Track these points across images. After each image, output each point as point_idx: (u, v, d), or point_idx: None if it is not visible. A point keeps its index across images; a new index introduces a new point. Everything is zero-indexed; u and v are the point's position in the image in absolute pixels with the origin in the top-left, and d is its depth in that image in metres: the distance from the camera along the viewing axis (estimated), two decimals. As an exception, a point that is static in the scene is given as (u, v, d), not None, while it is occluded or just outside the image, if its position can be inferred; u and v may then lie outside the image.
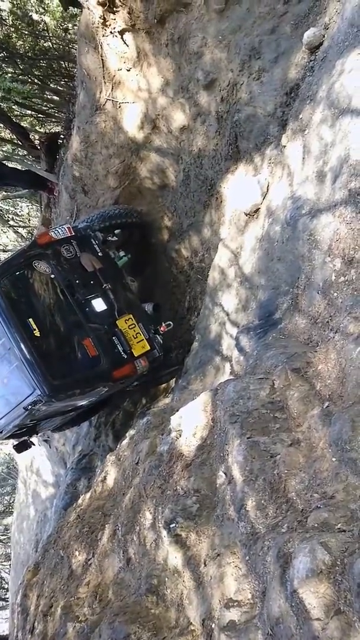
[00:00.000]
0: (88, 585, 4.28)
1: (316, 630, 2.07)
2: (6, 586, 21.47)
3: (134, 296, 6.65)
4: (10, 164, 11.06)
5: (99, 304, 6.09)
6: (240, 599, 2.73)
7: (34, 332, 5.68)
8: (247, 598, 2.70)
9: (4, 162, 10.89)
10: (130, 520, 4.06)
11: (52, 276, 6.01)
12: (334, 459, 2.70)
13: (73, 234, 6.31)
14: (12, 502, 20.23)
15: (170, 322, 6.52)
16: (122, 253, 6.75)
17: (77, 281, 6.05)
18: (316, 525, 2.41)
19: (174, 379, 6.96)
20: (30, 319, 5.71)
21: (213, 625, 2.82)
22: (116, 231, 6.76)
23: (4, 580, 23.06)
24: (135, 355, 6.06)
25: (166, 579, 3.43)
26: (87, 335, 5.92)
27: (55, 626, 4.30)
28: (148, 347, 6.14)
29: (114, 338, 6.04)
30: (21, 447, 7.34)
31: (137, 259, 7.33)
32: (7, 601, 18.85)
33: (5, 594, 21.50)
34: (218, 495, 3.32)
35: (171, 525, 3.40)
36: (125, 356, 6.01)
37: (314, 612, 2.11)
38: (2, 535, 23.43)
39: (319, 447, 2.89)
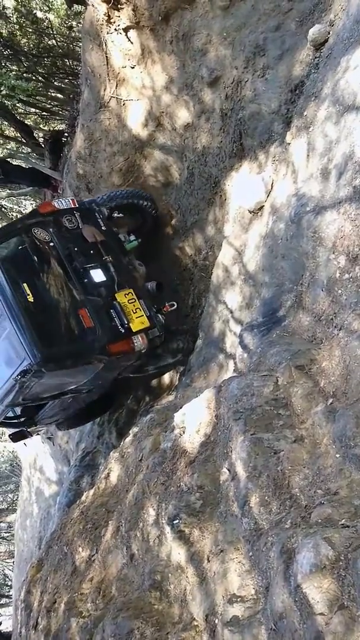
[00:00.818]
0: (91, 581, 4.30)
1: (320, 625, 2.08)
2: (10, 583, 21.56)
3: (139, 275, 6.37)
4: (14, 162, 11.08)
5: (97, 275, 5.86)
6: (243, 594, 2.73)
7: (27, 297, 5.45)
8: (251, 593, 2.71)
9: (7, 160, 10.91)
10: (134, 517, 4.07)
11: (51, 244, 5.83)
12: (337, 455, 2.71)
13: (77, 205, 6.19)
14: (16, 499, 20.30)
15: (174, 303, 6.30)
16: (132, 237, 6.60)
17: (76, 249, 5.84)
18: (320, 521, 2.41)
19: (178, 376, 6.96)
20: (25, 284, 5.50)
21: (216, 621, 2.83)
22: (118, 214, 6.57)
23: (7, 577, 23.16)
24: (134, 331, 5.76)
25: (169, 574, 3.44)
26: (83, 306, 5.67)
27: (59, 622, 4.32)
28: (148, 324, 5.86)
29: (111, 311, 5.76)
30: (17, 437, 7.21)
31: (147, 248, 7.11)
32: (11, 598, 18.93)
33: (9, 591, 21.59)
34: (221, 492, 3.32)
35: (174, 522, 3.41)
36: (123, 330, 5.71)
37: (318, 607, 2.11)
38: (5, 532, 23.52)
39: (322, 443, 2.90)
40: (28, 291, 5.48)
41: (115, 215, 6.42)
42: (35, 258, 5.82)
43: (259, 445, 3.11)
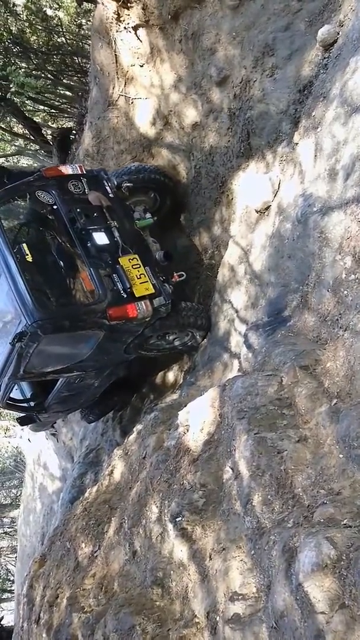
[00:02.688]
0: (94, 577, 4.32)
1: (320, 624, 2.09)
2: (12, 578, 21.67)
3: (146, 244, 6.15)
4: (23, 159, 11.11)
5: (100, 238, 5.64)
6: (245, 592, 2.75)
7: (26, 257, 5.31)
8: (252, 592, 2.73)
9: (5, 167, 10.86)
10: (137, 514, 4.09)
11: (55, 207, 5.69)
12: (341, 456, 2.71)
13: (84, 172, 6.07)
14: (19, 495, 20.37)
15: (183, 273, 6.09)
16: (148, 215, 6.44)
17: (79, 211, 5.68)
18: (322, 520, 2.42)
19: (183, 375, 6.97)
20: (24, 245, 5.37)
21: (218, 618, 2.85)
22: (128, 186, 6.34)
23: (10, 572, 23.27)
24: (137, 296, 5.50)
25: (171, 571, 3.46)
26: (84, 268, 5.45)
27: (61, 616, 4.34)
28: (152, 290, 5.58)
29: (114, 275, 5.52)
30: (25, 421, 7.14)
31: (163, 231, 6.91)
32: (13, 593, 19.03)
33: (11, 586, 21.70)
34: (224, 490, 3.34)
35: (177, 519, 3.43)
36: (125, 295, 5.45)
37: (319, 605, 2.12)
38: (8, 528, 23.62)
39: (326, 443, 2.90)
40: (27, 251, 5.35)
41: (125, 184, 6.24)
42: (37, 220, 5.74)
43: (262, 445, 3.12)
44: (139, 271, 5.65)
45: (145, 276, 5.65)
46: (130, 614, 3.47)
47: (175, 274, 5.97)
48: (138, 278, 5.60)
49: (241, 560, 2.88)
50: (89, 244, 5.56)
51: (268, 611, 2.49)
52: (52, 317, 5.19)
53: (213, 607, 2.93)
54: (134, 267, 5.67)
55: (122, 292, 5.47)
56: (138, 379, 7.96)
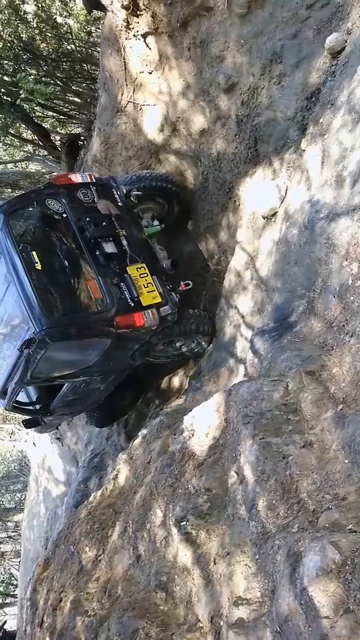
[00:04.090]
0: (98, 581, 4.32)
1: (325, 629, 2.08)
2: (16, 583, 21.63)
3: (154, 253, 6.21)
4: (32, 165, 11.18)
5: (109, 247, 5.69)
6: (249, 597, 2.74)
7: (35, 264, 5.35)
8: (256, 596, 2.72)
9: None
10: (141, 518, 4.09)
11: (64, 215, 5.76)
12: (346, 461, 2.71)
13: (93, 180, 6.12)
14: (24, 499, 20.38)
15: (190, 282, 6.13)
16: (155, 223, 6.52)
17: (88, 220, 5.71)
18: (327, 525, 2.42)
19: (188, 380, 6.97)
20: (34, 253, 5.42)
21: (221, 623, 2.84)
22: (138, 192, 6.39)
23: (13, 576, 23.23)
24: (144, 305, 5.54)
25: (175, 576, 3.45)
26: (92, 277, 5.50)
27: (64, 620, 4.34)
28: (159, 299, 5.63)
29: (122, 284, 5.57)
30: (30, 423, 7.14)
31: (170, 237, 6.97)
32: (17, 597, 18.99)
33: (14, 590, 21.66)
34: (229, 495, 3.34)
35: (182, 523, 3.43)
36: (132, 304, 5.50)
37: (323, 610, 2.12)
38: (12, 532, 23.60)
39: (331, 449, 2.90)
40: (36, 259, 5.40)
41: (134, 193, 6.28)
42: (47, 228, 5.79)
43: (267, 450, 3.12)
44: (146, 280, 5.71)
45: (152, 285, 5.70)
46: (133, 618, 3.46)
47: (182, 283, 6.04)
48: (145, 287, 5.65)
49: (245, 565, 2.87)
50: (97, 253, 5.63)
51: (272, 616, 2.49)
52: (59, 324, 5.24)
53: (217, 612, 2.92)
54: (141, 276, 5.72)
55: (129, 300, 5.53)
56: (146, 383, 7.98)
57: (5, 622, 16.34)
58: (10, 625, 16.76)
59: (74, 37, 10.89)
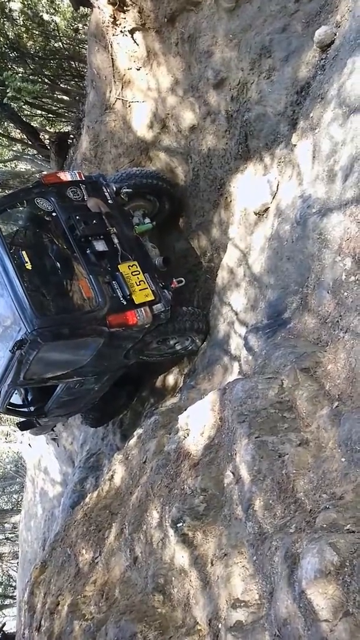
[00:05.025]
0: (95, 584, 4.28)
1: (324, 632, 2.05)
2: (14, 584, 21.59)
3: (145, 250, 6.15)
4: (21, 164, 11.11)
5: (100, 245, 5.63)
6: (247, 599, 2.71)
7: (26, 264, 5.31)
8: (254, 598, 2.69)
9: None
10: (137, 519, 4.06)
11: (54, 214, 5.66)
12: (343, 459, 2.68)
13: (83, 178, 6.07)
14: (20, 500, 20.32)
15: (182, 279, 6.08)
16: (147, 220, 6.49)
17: (77, 218, 5.65)
18: (325, 525, 2.39)
19: (183, 378, 6.94)
20: (24, 252, 5.37)
21: (220, 626, 2.81)
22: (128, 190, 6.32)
23: (11, 578, 23.18)
24: (136, 303, 5.51)
25: (173, 578, 3.42)
26: (83, 276, 5.46)
27: (62, 624, 4.30)
28: (152, 297, 5.59)
29: (113, 282, 5.52)
30: (25, 425, 7.08)
31: (161, 235, 6.94)
32: (15, 599, 18.95)
33: (13, 592, 21.62)
34: (225, 495, 3.30)
35: (178, 525, 3.40)
36: (125, 302, 5.46)
37: (322, 613, 2.09)
38: (10, 533, 23.55)
39: (328, 447, 2.87)
40: (26, 259, 5.37)
41: (125, 190, 6.22)
42: (37, 227, 5.73)
43: (263, 449, 3.09)
44: (138, 278, 5.66)
45: (144, 283, 5.66)
46: (131, 621, 3.43)
47: (174, 280, 5.97)
48: (137, 285, 5.61)
49: (243, 567, 2.84)
50: (88, 251, 5.57)
51: (271, 618, 2.45)
52: (51, 324, 5.19)
53: (215, 614, 2.89)
54: (133, 273, 5.68)
55: (121, 299, 5.48)
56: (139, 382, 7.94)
57: (4, 624, 16.30)
58: (10, 627, 16.73)
59: (61, 35, 10.81)
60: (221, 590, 2.89)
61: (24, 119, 11.76)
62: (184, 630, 3.11)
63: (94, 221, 5.77)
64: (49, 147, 11.10)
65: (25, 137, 12.15)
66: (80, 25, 11.05)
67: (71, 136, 10.73)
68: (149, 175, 6.63)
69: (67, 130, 12.06)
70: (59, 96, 12.27)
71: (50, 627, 4.53)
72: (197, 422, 3.93)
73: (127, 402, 8.21)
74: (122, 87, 6.83)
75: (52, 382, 6.19)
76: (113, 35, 6.41)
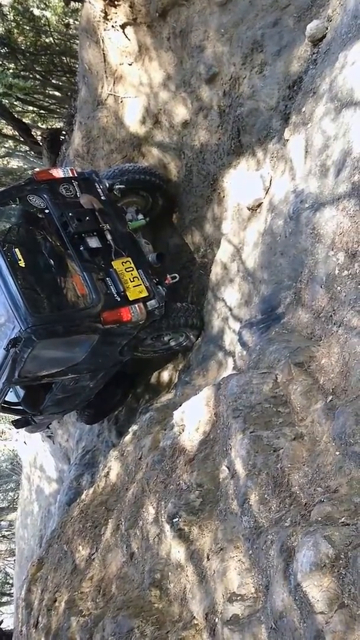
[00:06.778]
0: (92, 580, 4.29)
1: (320, 624, 2.07)
2: (11, 581, 21.59)
3: (139, 246, 6.14)
4: (13, 161, 11.05)
5: (93, 242, 5.62)
6: (243, 593, 2.73)
7: (19, 262, 5.31)
8: (251, 592, 2.70)
9: None
10: (134, 515, 4.06)
11: (47, 211, 5.71)
12: (337, 453, 2.70)
13: (75, 175, 6.06)
14: (16, 498, 20.30)
15: (176, 275, 6.11)
16: (140, 216, 6.49)
17: (70, 214, 5.63)
18: (320, 519, 2.40)
19: (178, 374, 6.94)
20: (17, 249, 5.36)
21: (216, 619, 2.83)
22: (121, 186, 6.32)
23: (8, 575, 23.18)
24: (130, 300, 5.51)
25: (169, 573, 3.43)
26: (77, 273, 5.45)
27: (59, 620, 4.31)
28: (146, 293, 5.59)
29: (107, 279, 5.52)
30: (20, 423, 7.10)
31: (155, 231, 6.94)
32: (12, 596, 18.96)
33: (10, 589, 21.62)
34: (221, 490, 3.32)
35: (174, 520, 3.41)
36: (119, 299, 5.46)
37: (318, 605, 2.10)
38: (6, 531, 23.54)
39: (322, 441, 2.88)
40: (20, 256, 5.36)
41: (117, 186, 6.22)
42: (29, 225, 5.72)
43: (258, 443, 3.10)
44: (132, 274, 5.66)
45: (138, 279, 5.66)
46: (128, 616, 3.44)
47: (168, 276, 5.98)
48: (131, 281, 5.61)
49: (239, 561, 2.85)
50: (81, 248, 5.56)
51: (267, 612, 2.47)
52: (45, 322, 5.19)
53: (212, 608, 2.91)
54: (127, 270, 5.67)
55: (115, 295, 5.48)
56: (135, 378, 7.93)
57: (1, 621, 16.29)
58: (7, 625, 16.74)
59: (52, 30, 10.74)
60: (217, 584, 2.90)
61: (16, 115, 11.69)
62: (180, 625, 3.12)
63: (87, 218, 5.75)
64: (41, 144, 11.04)
65: (17, 133, 12.08)
66: (71, 21, 10.97)
67: (63, 132, 10.67)
68: (142, 171, 6.61)
69: (59, 127, 11.99)
70: (51, 92, 12.20)
71: (48, 623, 4.54)
72: (192, 418, 3.94)
73: (122, 399, 8.21)
74: (114, 83, 6.80)
75: (47, 379, 6.19)
76: (104, 30, 6.38)
